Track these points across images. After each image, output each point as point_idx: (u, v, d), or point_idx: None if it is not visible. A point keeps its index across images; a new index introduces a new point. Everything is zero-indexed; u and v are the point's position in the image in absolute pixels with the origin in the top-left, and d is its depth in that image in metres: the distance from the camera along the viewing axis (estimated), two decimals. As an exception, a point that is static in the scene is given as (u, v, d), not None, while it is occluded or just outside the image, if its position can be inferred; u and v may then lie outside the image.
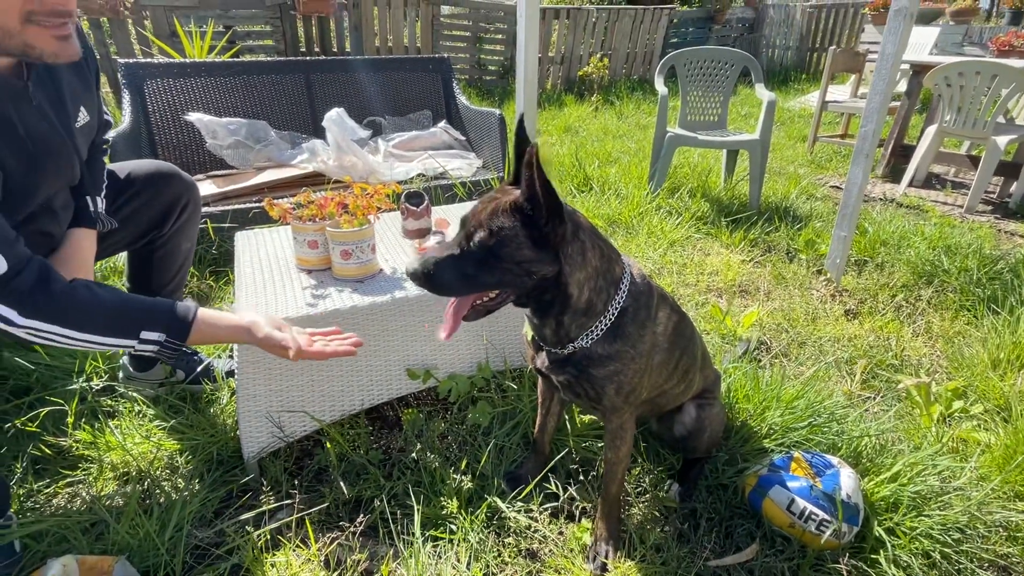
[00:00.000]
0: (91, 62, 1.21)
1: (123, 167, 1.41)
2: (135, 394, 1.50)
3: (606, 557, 1.16)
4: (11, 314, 0.91)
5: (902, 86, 4.26)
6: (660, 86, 3.31)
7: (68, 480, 1.31)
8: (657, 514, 1.29)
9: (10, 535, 1.08)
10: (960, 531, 1.20)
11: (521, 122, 0.96)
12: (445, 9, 6.48)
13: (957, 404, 1.58)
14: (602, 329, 1.01)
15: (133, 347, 1.01)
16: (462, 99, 3.16)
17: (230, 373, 1.63)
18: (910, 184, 3.74)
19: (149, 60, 2.63)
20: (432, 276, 0.92)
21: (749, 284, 2.42)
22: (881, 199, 3.61)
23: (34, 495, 1.26)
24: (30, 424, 1.35)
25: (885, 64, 2.00)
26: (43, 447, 1.34)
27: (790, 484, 1.23)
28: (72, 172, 1.17)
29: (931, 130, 3.59)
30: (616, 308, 1.00)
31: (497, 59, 6.93)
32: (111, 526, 1.14)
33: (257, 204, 2.33)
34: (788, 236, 2.85)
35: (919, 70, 3.76)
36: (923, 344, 2.01)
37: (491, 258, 0.90)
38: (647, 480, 1.37)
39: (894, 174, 4.08)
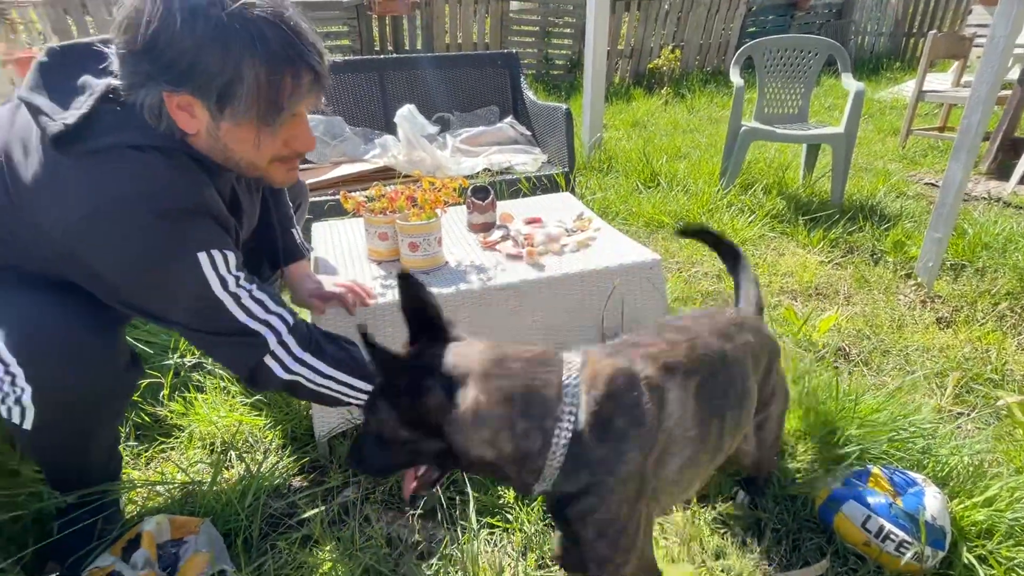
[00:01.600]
0: None
1: None
2: (221, 372, 1.62)
3: None
4: (319, 364, 1.04)
5: (1014, 73, 3.85)
6: (735, 77, 3.17)
7: (162, 446, 1.44)
8: (720, 524, 1.25)
9: (120, 490, 1.20)
10: (1067, 566, 1.09)
11: (405, 280, 0.80)
12: (514, 4, 6.50)
13: (1069, 426, 1.42)
14: (555, 468, 0.78)
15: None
16: (529, 94, 3.16)
17: None
18: (1020, 182, 3.37)
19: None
20: (360, 460, 0.85)
21: (827, 287, 2.28)
22: (985, 198, 3.29)
23: (136, 458, 1.40)
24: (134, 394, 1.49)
25: (995, 49, 1.82)
26: (143, 415, 1.47)
27: (868, 500, 1.16)
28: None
29: (1048, 121, 3.23)
30: (562, 439, 0.76)
31: (565, 53, 6.88)
32: (198, 491, 1.24)
33: (332, 197, 2.44)
34: (874, 237, 2.66)
35: (1036, 55, 3.39)
36: (1030, 358, 1.82)
37: (382, 442, 0.80)
38: (709, 486, 1.33)
39: (1001, 171, 3.69)
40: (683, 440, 0.85)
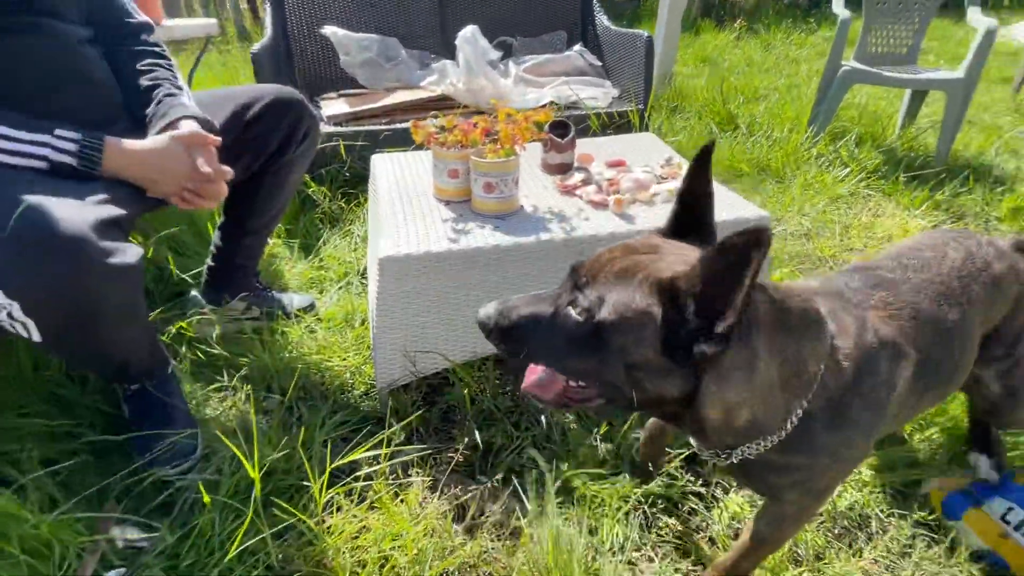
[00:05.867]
0: None
1: (248, 89, 1.36)
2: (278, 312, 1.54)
3: None
4: None
5: None
6: (839, 7, 2.77)
7: (218, 385, 1.37)
8: (821, 523, 1.12)
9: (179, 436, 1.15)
10: None
11: (706, 154, 0.69)
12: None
13: None
14: (773, 442, 0.72)
15: (49, 145, 0.97)
16: (603, 19, 2.84)
17: (310, 307, 1.64)
18: None
19: (287, -31, 2.57)
20: (509, 334, 0.69)
21: (932, 256, 2.03)
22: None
23: (192, 394, 1.34)
24: (187, 327, 1.42)
25: None
26: (197, 352, 1.40)
27: (1015, 494, 1.05)
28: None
29: None
30: (796, 416, 0.70)
31: (630, -23, 6.28)
32: (259, 436, 1.17)
33: (387, 127, 2.26)
34: (985, 201, 2.35)
35: None
36: None
37: (593, 340, 0.63)
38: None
39: None
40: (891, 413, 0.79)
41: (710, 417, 0.66)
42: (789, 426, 0.70)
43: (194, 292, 1.55)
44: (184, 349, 1.41)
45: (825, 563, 1.03)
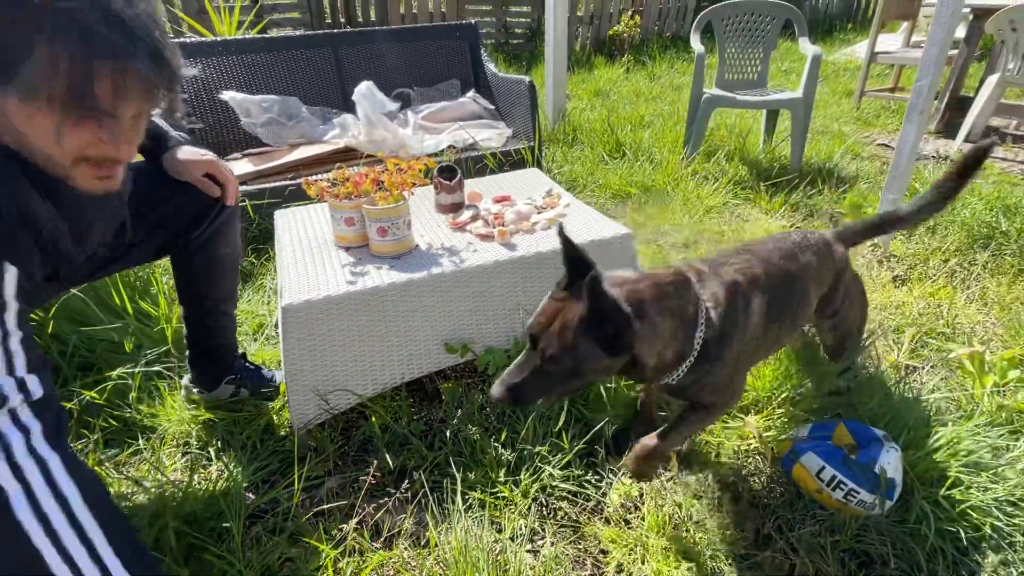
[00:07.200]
0: None
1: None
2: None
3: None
4: (60, 469, 0.75)
5: (960, 32, 3.96)
6: (696, 44, 3.16)
7: (134, 449, 1.39)
8: (694, 489, 1.30)
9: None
10: (1013, 504, 1.17)
11: (575, 251, 0.98)
12: (470, -29, 6.29)
13: (1013, 374, 1.51)
14: (686, 367, 1.06)
15: None
16: (490, 67, 3.09)
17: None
18: (966, 139, 3.51)
19: (182, 40, 2.66)
20: (517, 398, 0.99)
21: (790, 251, 2.34)
22: (934, 156, 3.41)
23: (103, 463, 1.36)
24: (97, 397, 1.44)
25: (945, 10, 1.85)
26: (110, 420, 1.42)
27: (823, 452, 1.24)
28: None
29: (992, 80, 3.35)
30: (698, 343, 1.04)
31: (524, 21, 6.72)
32: (176, 491, 1.22)
33: (293, 182, 2.36)
34: (832, 199, 2.74)
35: (981, 14, 3.48)
36: (977, 311, 1.92)
37: (570, 374, 0.97)
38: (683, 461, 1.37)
39: (949, 129, 3.83)
40: (755, 338, 1.14)
41: (650, 364, 1.01)
42: (696, 349, 1.04)
43: (185, 379, 1.51)
44: (97, 419, 1.43)
45: (700, 525, 1.20)
